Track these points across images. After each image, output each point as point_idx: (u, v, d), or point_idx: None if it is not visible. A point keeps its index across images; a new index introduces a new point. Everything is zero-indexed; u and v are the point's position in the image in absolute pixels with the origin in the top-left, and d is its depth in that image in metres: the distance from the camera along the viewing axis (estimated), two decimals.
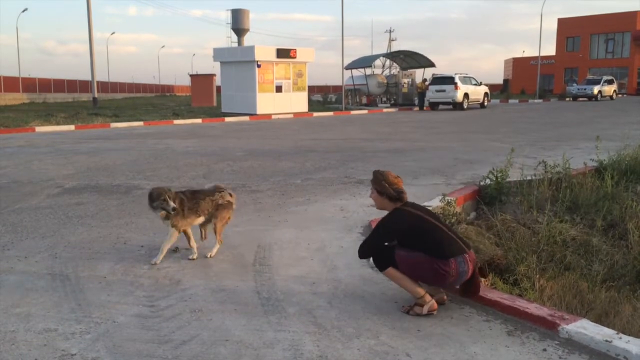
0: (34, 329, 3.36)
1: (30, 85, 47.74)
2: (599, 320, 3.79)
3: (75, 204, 6.91)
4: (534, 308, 3.49)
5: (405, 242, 3.61)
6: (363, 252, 3.81)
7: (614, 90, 41.73)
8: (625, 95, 48.23)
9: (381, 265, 3.67)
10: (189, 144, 14.13)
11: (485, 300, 3.69)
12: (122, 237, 5.40)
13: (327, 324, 3.42)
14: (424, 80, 34.15)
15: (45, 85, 49.71)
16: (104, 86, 60.97)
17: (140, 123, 21.52)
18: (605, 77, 41.91)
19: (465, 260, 3.53)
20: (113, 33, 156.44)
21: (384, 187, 3.73)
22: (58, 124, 20.13)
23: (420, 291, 3.55)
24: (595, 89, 39.81)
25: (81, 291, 3.98)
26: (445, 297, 3.75)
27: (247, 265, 4.55)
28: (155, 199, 4.43)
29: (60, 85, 52.13)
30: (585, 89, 40.59)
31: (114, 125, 20.57)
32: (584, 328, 3.19)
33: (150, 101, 49.71)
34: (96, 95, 31.67)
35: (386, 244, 3.68)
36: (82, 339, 3.22)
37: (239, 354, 3.05)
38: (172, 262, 4.63)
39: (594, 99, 39.60)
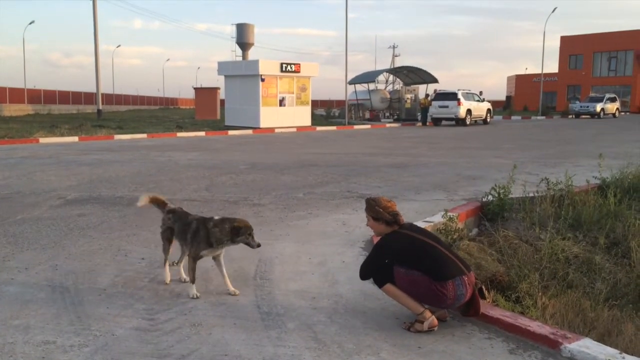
0: (32, 340, 3.34)
1: (35, 96, 48.02)
2: (601, 339, 3.76)
3: (77, 215, 6.91)
4: (536, 326, 3.46)
5: (402, 263, 3.60)
6: (363, 274, 3.83)
7: (617, 108, 41.76)
8: (628, 113, 48.27)
9: (379, 282, 3.68)
10: (192, 156, 14.16)
11: (487, 317, 3.66)
12: (123, 249, 5.39)
13: (327, 340, 3.40)
14: (427, 95, 34.27)
15: (50, 96, 50.00)
16: (109, 98, 61.26)
17: (144, 135, 21.59)
18: (608, 95, 41.95)
19: (464, 282, 3.52)
20: (119, 46, 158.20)
21: (378, 213, 3.75)
22: (62, 135, 20.20)
23: (420, 308, 3.53)
24: (598, 107, 39.86)
25: (80, 303, 3.96)
26: (446, 314, 3.73)
27: (248, 279, 4.53)
28: (242, 233, 4.05)
29: (65, 97, 52.42)
30: (588, 107, 40.64)
31: (117, 137, 20.64)
32: (587, 347, 3.16)
33: (154, 114, 49.92)
34: (100, 107, 31.88)
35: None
36: (81, 352, 3.20)
37: None
38: (173, 275, 4.60)
39: (596, 116, 39.64)
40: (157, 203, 4.66)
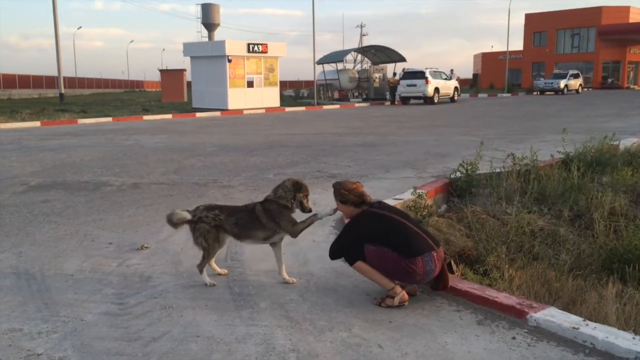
0: None
1: None
2: (566, 308, 3.87)
3: (41, 201, 6.74)
4: (503, 297, 3.54)
5: (372, 241, 3.63)
6: (333, 254, 3.83)
7: (580, 84, 42.60)
8: (590, 89, 49.30)
9: (350, 259, 3.69)
10: (159, 139, 13.94)
11: (456, 290, 3.73)
12: (90, 234, 5.29)
13: (299, 318, 3.42)
14: (395, 74, 34.37)
15: (10, 81, 48.43)
16: (71, 82, 59.66)
17: (109, 119, 21.14)
18: (571, 72, 42.73)
19: (433, 258, 3.56)
20: (80, 27, 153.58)
21: (344, 195, 3.78)
22: (23, 120, 19.63)
23: (390, 283, 3.57)
24: (562, 83, 40.60)
25: (47, 290, 3.88)
26: (416, 288, 3.78)
27: (219, 261, 4.49)
28: (303, 191, 3.99)
29: (25, 81, 50.85)
30: (552, 83, 41.35)
31: (81, 121, 20.16)
32: (552, 316, 3.25)
33: (119, 97, 48.87)
34: (63, 91, 31.04)
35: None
36: (49, 338, 3.14)
37: (210, 349, 3.02)
38: (142, 259, 4.55)
39: (560, 92, 40.37)
40: (183, 221, 4.09)
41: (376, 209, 3.74)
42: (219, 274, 4.17)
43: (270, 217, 3.97)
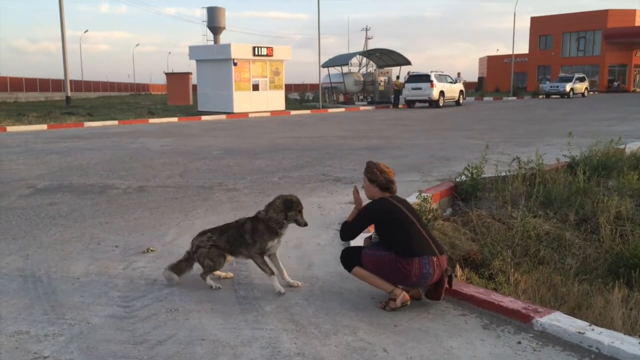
0: (5, 331, 3.29)
1: (1, 84, 46.68)
2: (572, 312, 3.86)
3: (47, 204, 6.78)
4: (508, 302, 3.53)
5: (380, 229, 3.68)
6: (344, 233, 3.86)
7: (586, 88, 42.47)
8: (596, 93, 49.14)
9: (348, 265, 3.74)
10: (165, 142, 13.98)
11: (461, 294, 3.72)
12: (96, 237, 5.32)
13: (304, 321, 3.42)
14: (397, 77, 34.46)
15: (17, 84, 48.66)
16: (78, 85, 59.92)
17: (115, 122, 21.23)
18: (577, 75, 42.60)
19: (432, 262, 3.54)
20: (86, 31, 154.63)
21: (375, 175, 3.78)
22: (30, 123, 19.75)
23: (390, 286, 3.59)
24: (568, 87, 40.48)
25: (54, 293, 3.90)
26: (421, 292, 3.78)
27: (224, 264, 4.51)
28: (294, 208, 3.93)
29: (32, 84, 51.09)
30: (557, 87, 41.23)
31: (87, 124, 20.25)
32: (558, 320, 3.24)
33: (125, 100, 49.06)
34: (69, 94, 31.16)
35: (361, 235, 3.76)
36: (55, 341, 3.16)
37: (216, 353, 3.03)
38: (148, 262, 4.57)
39: (566, 96, 40.24)
40: (181, 270, 4.13)
41: (395, 201, 3.76)
42: (225, 277, 4.18)
43: (252, 235, 3.96)
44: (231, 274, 4.23)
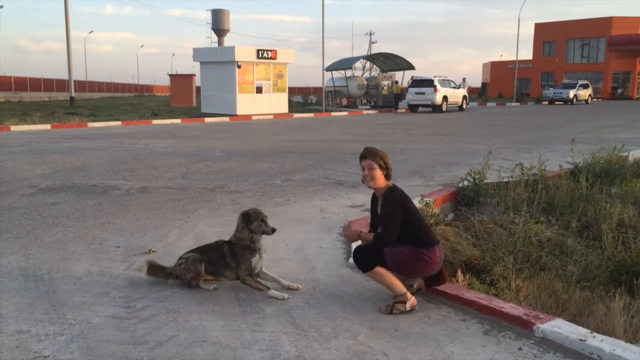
0: (6, 330, 3.29)
1: (5, 83, 46.85)
2: (573, 319, 3.85)
3: (50, 204, 6.79)
4: (509, 308, 3.53)
5: (405, 215, 3.62)
6: (382, 238, 3.63)
7: (589, 95, 42.45)
8: (600, 100, 49.10)
9: (367, 265, 3.65)
10: (168, 144, 14.01)
11: (463, 300, 3.72)
12: (98, 237, 5.32)
13: (304, 324, 3.42)
14: (396, 82, 34.77)
15: (21, 83, 48.82)
16: (82, 85, 60.09)
17: (118, 123, 21.27)
18: (580, 82, 42.59)
19: (442, 249, 3.74)
20: (91, 32, 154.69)
21: (384, 159, 3.73)
22: (34, 123, 19.79)
23: (403, 289, 3.61)
24: (571, 93, 40.46)
25: (55, 292, 3.91)
26: (423, 283, 3.86)
27: None
28: (254, 219, 3.93)
29: (36, 84, 51.23)
30: (561, 93, 41.22)
31: (91, 124, 20.30)
32: (559, 327, 3.23)
33: (129, 101, 49.17)
34: (73, 94, 31.25)
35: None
36: (56, 341, 3.16)
37: (216, 355, 3.03)
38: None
39: (569, 102, 40.23)
40: (155, 272, 4.18)
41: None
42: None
43: (233, 258, 3.96)
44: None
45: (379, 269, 3.63)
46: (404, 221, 3.63)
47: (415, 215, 3.70)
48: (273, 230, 3.96)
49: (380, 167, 3.71)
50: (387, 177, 3.75)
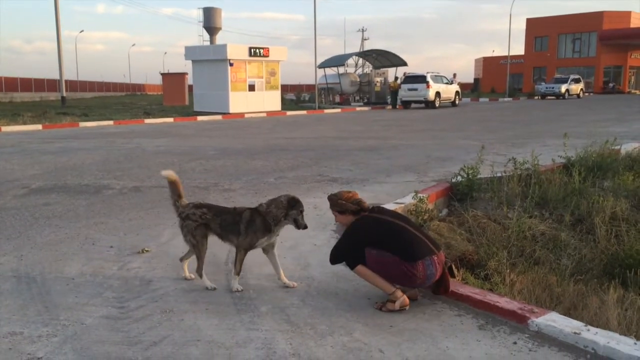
0: None
1: None
2: (567, 313, 3.86)
3: (42, 204, 6.75)
4: (504, 302, 3.53)
5: (372, 245, 3.62)
6: (334, 259, 3.82)
7: (581, 89, 42.63)
8: (591, 94, 49.29)
9: (351, 264, 3.69)
10: (161, 143, 13.95)
11: (457, 295, 3.72)
12: (91, 237, 5.29)
13: (299, 322, 3.41)
14: (396, 78, 34.46)
15: (12, 84, 48.50)
16: (73, 85, 59.75)
17: (110, 122, 21.17)
18: (572, 76, 42.76)
19: (434, 262, 3.55)
20: (82, 31, 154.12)
21: (342, 206, 3.78)
22: (25, 123, 19.66)
23: (391, 288, 3.56)
24: (563, 88, 40.61)
25: (48, 293, 3.88)
26: (417, 293, 3.77)
27: (220, 264, 4.51)
28: (296, 207, 3.90)
29: (27, 84, 50.90)
30: (553, 88, 41.36)
31: (83, 124, 20.19)
32: (553, 321, 3.24)
33: (121, 100, 48.94)
34: (64, 94, 31.09)
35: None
36: (49, 342, 3.14)
37: (211, 354, 3.01)
38: (143, 262, 4.55)
39: (561, 97, 40.38)
40: (175, 188, 4.27)
41: (375, 214, 3.74)
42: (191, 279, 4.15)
43: (249, 226, 3.93)
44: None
45: (362, 268, 3.62)
46: (382, 242, 3.58)
47: (394, 237, 3.58)
48: (304, 226, 3.93)
49: (340, 212, 3.80)
50: (355, 212, 3.75)
